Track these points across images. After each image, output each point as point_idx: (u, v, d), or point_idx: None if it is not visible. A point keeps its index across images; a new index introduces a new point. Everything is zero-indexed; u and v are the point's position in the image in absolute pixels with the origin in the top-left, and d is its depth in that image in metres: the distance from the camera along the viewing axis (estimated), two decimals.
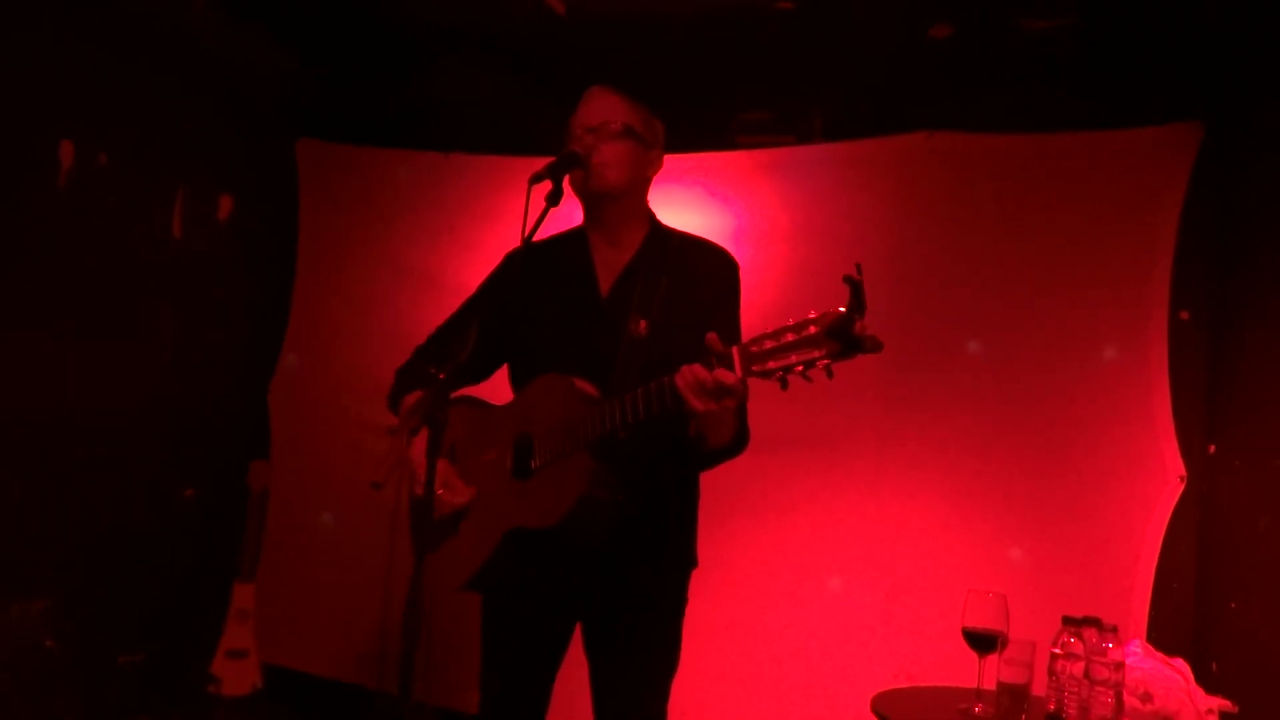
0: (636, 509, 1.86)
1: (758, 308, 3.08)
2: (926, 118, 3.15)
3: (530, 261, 1.89)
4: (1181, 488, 2.75)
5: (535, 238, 1.82)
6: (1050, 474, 2.88)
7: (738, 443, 1.84)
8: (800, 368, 1.47)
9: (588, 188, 1.96)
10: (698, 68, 3.52)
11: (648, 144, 2.02)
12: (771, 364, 1.50)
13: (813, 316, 1.45)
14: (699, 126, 3.48)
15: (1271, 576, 2.42)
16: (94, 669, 3.32)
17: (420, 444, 1.87)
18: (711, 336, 1.57)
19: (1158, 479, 2.78)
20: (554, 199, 1.84)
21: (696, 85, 3.49)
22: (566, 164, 1.90)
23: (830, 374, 1.46)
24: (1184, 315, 2.88)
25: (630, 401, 1.69)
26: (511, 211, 1.85)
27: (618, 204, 2.00)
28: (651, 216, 2.08)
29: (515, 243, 1.84)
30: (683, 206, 3.35)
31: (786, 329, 1.48)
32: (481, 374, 2.08)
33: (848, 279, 1.40)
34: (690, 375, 1.58)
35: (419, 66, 3.88)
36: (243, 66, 3.74)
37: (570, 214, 2.05)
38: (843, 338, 1.42)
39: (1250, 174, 2.78)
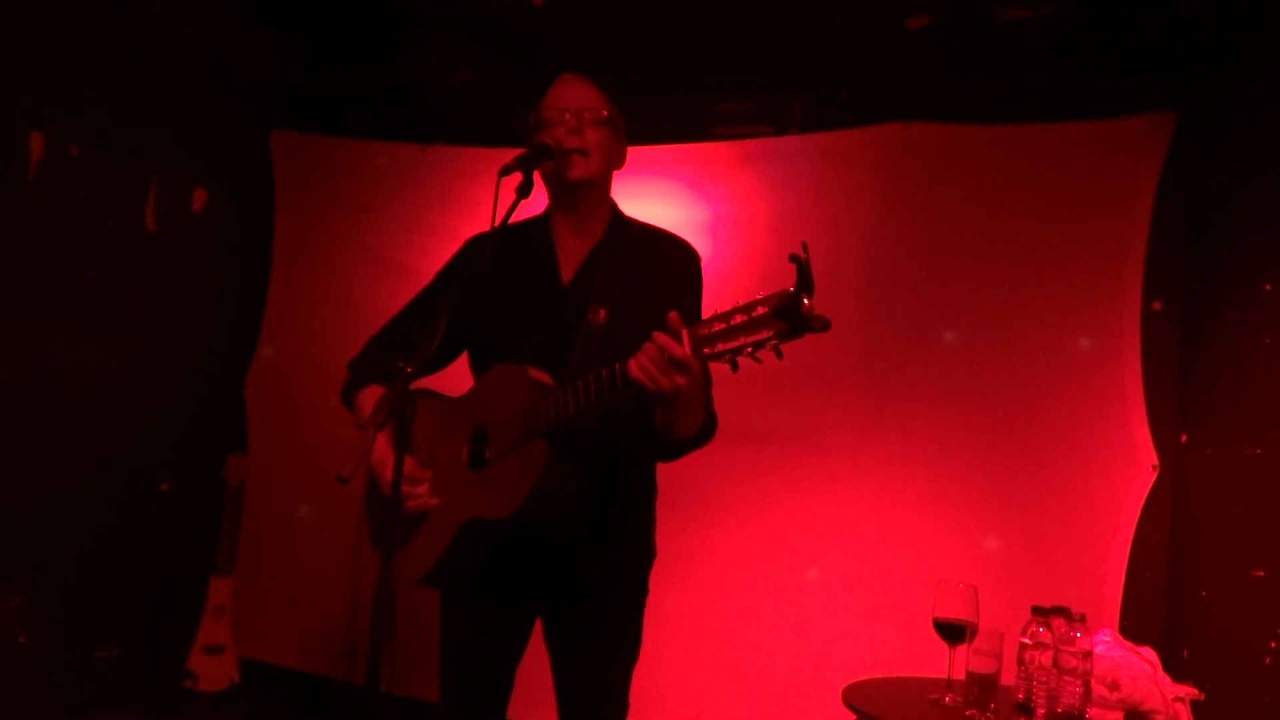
0: (595, 498, 1.86)
1: (734, 299, 3.09)
2: (903, 108, 3.15)
3: (493, 249, 1.88)
4: (1154, 477, 2.77)
5: (496, 224, 1.81)
6: (1024, 463, 2.90)
7: (705, 432, 1.84)
8: (749, 349, 1.47)
9: (563, 174, 1.94)
10: (675, 59, 3.51)
11: (620, 135, 2.03)
12: (721, 345, 1.50)
13: (760, 298, 1.46)
14: (677, 118, 3.48)
15: (1242, 564, 2.44)
16: (70, 664, 3.31)
17: (381, 446, 1.86)
18: (672, 316, 1.57)
19: (1131, 468, 2.79)
20: (524, 191, 1.83)
21: (674, 77, 3.49)
22: (537, 156, 1.89)
23: (779, 354, 1.47)
24: (1157, 306, 2.90)
25: (582, 388, 1.68)
26: (490, 203, 1.83)
27: (588, 193, 1.99)
28: (614, 206, 2.07)
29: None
30: (661, 198, 3.35)
31: (735, 310, 1.49)
32: (441, 363, 2.06)
33: (793, 258, 1.41)
34: (642, 356, 1.59)
35: (395, 58, 3.86)
36: (218, 58, 3.71)
37: (536, 202, 2.04)
38: (790, 317, 1.42)
39: (1223, 164, 2.79)
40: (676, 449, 1.82)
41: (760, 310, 1.45)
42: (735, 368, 1.52)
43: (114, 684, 3.46)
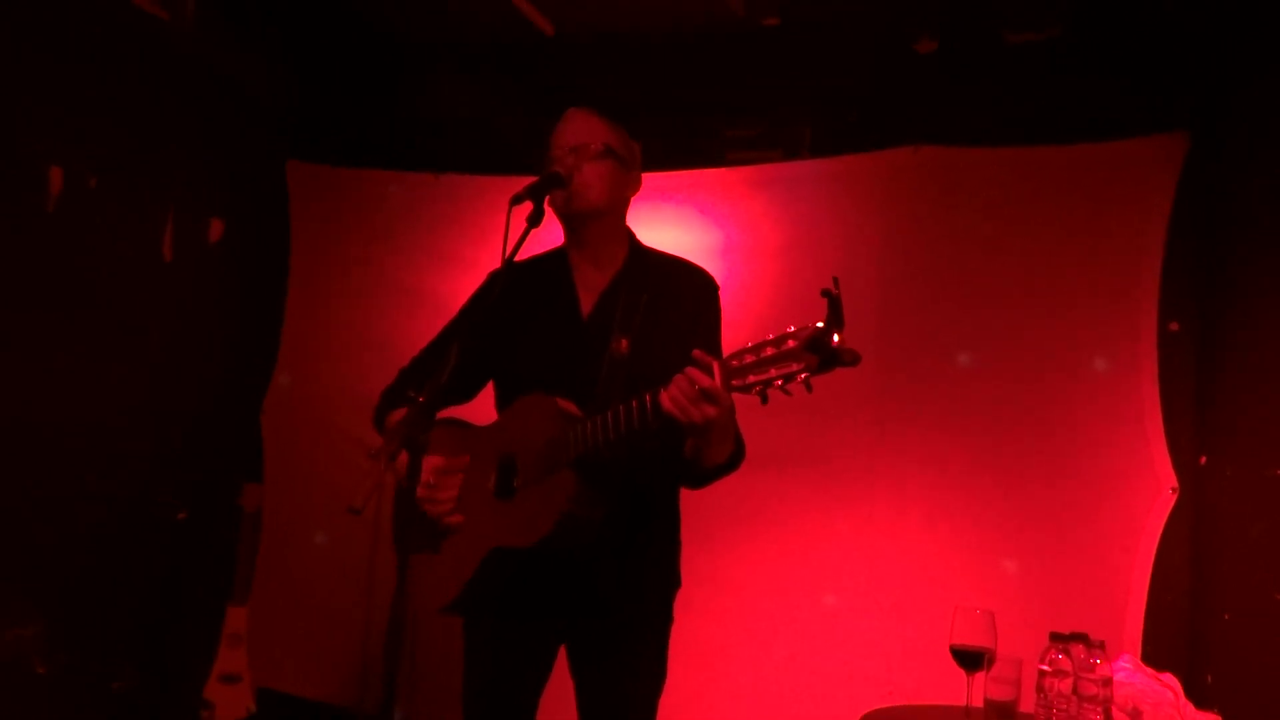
0: (621, 527, 1.87)
1: (747, 323, 3.11)
2: (913, 132, 3.15)
3: (512, 281, 1.90)
4: (1174, 499, 2.74)
5: (517, 258, 1.84)
6: (1042, 487, 2.87)
7: (734, 459, 1.85)
8: (779, 381, 1.48)
9: (569, 208, 1.97)
10: (685, 86, 3.55)
11: (627, 164, 2.04)
12: (751, 378, 1.52)
13: (791, 330, 1.47)
14: (688, 144, 3.50)
15: (1265, 586, 2.41)
16: (87, 695, 3.31)
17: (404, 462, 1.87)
18: (698, 352, 1.59)
19: (1150, 490, 2.76)
20: (535, 219, 1.85)
21: (685, 103, 3.52)
22: (547, 185, 1.92)
23: (809, 388, 1.48)
24: (1173, 326, 2.88)
25: (611, 418, 1.70)
26: (503, 232, 1.85)
27: (599, 223, 2.01)
28: (631, 236, 2.09)
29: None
30: (673, 224, 3.36)
31: (766, 343, 1.50)
32: (466, 395, 2.09)
33: (825, 293, 1.43)
34: (673, 389, 1.59)
35: (409, 88, 3.91)
36: (233, 90, 3.76)
37: (555, 233, 2.06)
38: (821, 351, 1.43)
39: (1237, 184, 2.78)
40: (705, 476, 1.84)
41: (790, 344, 1.47)
42: (765, 400, 1.53)
43: (131, 714, 3.46)
